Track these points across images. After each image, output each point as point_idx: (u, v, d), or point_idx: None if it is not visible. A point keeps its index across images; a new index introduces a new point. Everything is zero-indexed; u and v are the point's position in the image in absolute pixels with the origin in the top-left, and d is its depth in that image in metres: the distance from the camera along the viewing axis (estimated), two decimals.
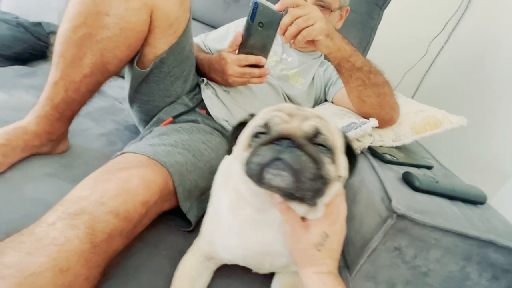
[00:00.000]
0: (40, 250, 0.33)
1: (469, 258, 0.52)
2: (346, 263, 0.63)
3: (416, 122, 0.81)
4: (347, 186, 0.75)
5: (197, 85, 0.80)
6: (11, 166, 0.54)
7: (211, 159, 0.62)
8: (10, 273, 0.31)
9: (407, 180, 0.59)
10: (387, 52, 1.57)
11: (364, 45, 1.18)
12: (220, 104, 0.77)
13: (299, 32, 0.60)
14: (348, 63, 0.69)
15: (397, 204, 0.51)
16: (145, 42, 0.61)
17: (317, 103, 0.98)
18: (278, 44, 0.98)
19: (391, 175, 0.62)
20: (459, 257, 0.53)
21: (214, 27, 1.13)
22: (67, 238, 0.35)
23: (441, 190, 0.58)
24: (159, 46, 0.63)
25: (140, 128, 0.80)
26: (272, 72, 0.90)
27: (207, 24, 1.27)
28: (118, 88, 1.05)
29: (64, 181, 0.56)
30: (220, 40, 0.98)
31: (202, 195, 0.59)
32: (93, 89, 0.59)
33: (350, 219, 0.68)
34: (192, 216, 0.55)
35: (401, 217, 0.51)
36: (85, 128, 0.77)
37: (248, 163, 0.35)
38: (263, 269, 0.48)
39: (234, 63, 0.70)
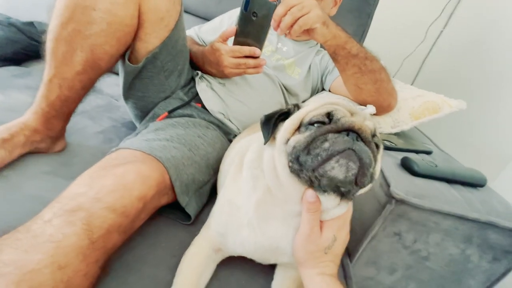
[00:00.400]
0: (37, 247, 0.33)
1: (469, 241, 0.52)
2: (347, 250, 0.63)
3: (414, 108, 0.80)
4: None
5: (192, 79, 0.80)
6: (9, 164, 0.54)
7: (207, 153, 0.62)
8: (9, 270, 0.31)
9: (406, 165, 0.59)
10: (385, 39, 1.54)
11: (361, 31, 1.16)
12: (215, 97, 0.77)
13: (295, 22, 0.59)
14: (343, 51, 0.68)
15: (396, 189, 0.51)
16: (136, 37, 0.60)
17: (314, 92, 0.97)
18: (273, 33, 0.96)
19: (389, 161, 0.62)
20: (459, 240, 0.53)
21: (208, 20, 1.11)
22: (64, 235, 0.35)
23: (440, 174, 0.57)
24: (150, 41, 0.62)
25: (137, 124, 0.79)
26: (268, 62, 0.89)
27: (200, 17, 1.25)
28: (114, 86, 1.05)
29: (62, 178, 0.56)
30: (214, 31, 0.96)
31: (200, 189, 0.59)
32: (87, 86, 0.59)
33: None
34: (191, 210, 0.55)
35: (400, 202, 0.51)
36: (82, 126, 0.77)
37: (307, 148, 0.35)
38: (268, 262, 0.48)
39: (229, 54, 0.69)
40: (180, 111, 0.72)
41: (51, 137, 0.60)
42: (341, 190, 0.36)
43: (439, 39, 1.61)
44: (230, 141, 0.73)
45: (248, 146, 0.49)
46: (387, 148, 0.70)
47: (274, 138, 0.41)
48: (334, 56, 0.71)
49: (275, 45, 0.95)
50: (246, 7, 0.62)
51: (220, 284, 0.47)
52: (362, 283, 0.61)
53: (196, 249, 0.47)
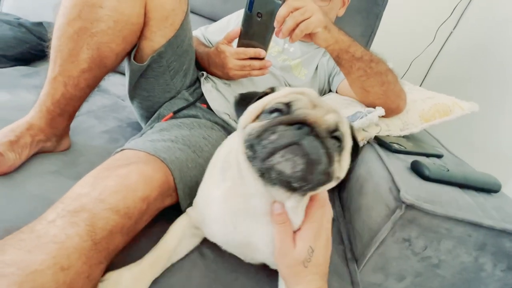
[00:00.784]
0: (40, 247, 0.33)
1: (483, 248, 0.50)
2: (353, 255, 0.62)
3: (424, 110, 0.78)
4: (353, 177, 0.74)
5: (197, 79, 0.79)
6: None
7: (211, 155, 0.61)
8: (12, 271, 0.30)
9: (416, 169, 0.57)
10: (394, 40, 1.52)
11: (369, 32, 1.14)
12: (220, 97, 0.76)
13: (297, 26, 0.59)
14: (347, 54, 0.67)
15: (406, 194, 0.50)
16: (141, 35, 0.60)
17: (321, 93, 0.96)
18: None
19: (399, 165, 0.60)
20: (472, 247, 0.51)
21: (214, 20, 1.11)
22: (68, 236, 0.34)
23: (452, 179, 0.55)
24: (156, 40, 0.61)
25: (142, 124, 0.79)
26: (275, 63, 0.88)
27: (206, 17, 1.25)
28: (120, 86, 1.05)
29: (67, 178, 0.56)
30: (221, 32, 0.96)
31: None
32: (92, 85, 0.59)
33: (356, 210, 0.66)
34: None
35: (410, 207, 0.49)
36: (88, 126, 0.77)
37: (259, 138, 0.34)
38: (247, 259, 0.48)
39: (234, 56, 0.68)
40: (185, 112, 0.71)
41: (56, 135, 0.59)
42: (292, 186, 0.34)
43: (448, 40, 1.57)
44: None
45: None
46: (396, 151, 0.68)
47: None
48: (338, 60, 0.70)
49: (282, 46, 0.94)
50: (250, 8, 0.61)
51: None
52: None
53: (182, 219, 0.50)
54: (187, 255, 0.49)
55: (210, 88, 0.76)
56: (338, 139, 0.36)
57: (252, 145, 0.34)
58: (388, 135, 0.77)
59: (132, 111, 0.83)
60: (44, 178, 0.55)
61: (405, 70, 1.61)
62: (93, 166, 0.47)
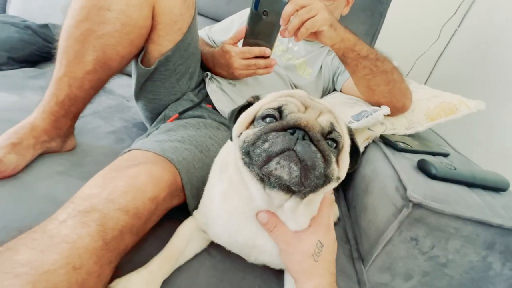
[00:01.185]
0: (52, 247, 0.33)
1: (491, 247, 0.50)
2: (360, 255, 0.62)
3: (430, 109, 0.78)
4: (359, 176, 0.74)
5: (203, 80, 0.80)
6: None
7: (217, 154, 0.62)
8: (25, 271, 0.31)
9: (423, 168, 0.57)
10: (398, 38, 1.51)
11: (373, 31, 1.14)
12: (225, 97, 0.76)
13: (302, 24, 0.59)
14: (353, 53, 0.67)
15: (413, 192, 0.49)
16: (149, 39, 0.61)
17: (325, 93, 0.96)
18: None
19: (405, 164, 0.60)
20: (481, 246, 0.50)
21: (218, 21, 1.11)
22: (79, 236, 0.35)
23: (460, 177, 0.55)
24: (163, 44, 0.62)
25: (147, 125, 0.80)
26: (279, 62, 0.88)
27: (210, 18, 1.25)
28: (126, 87, 1.06)
29: (74, 178, 0.56)
30: (225, 32, 0.96)
31: None
32: (97, 86, 0.59)
33: (363, 210, 0.66)
34: None
35: (418, 206, 0.49)
36: (94, 126, 0.78)
37: (254, 146, 0.34)
38: (251, 260, 0.48)
39: (239, 56, 0.68)
40: (190, 112, 0.72)
41: (60, 136, 0.60)
42: (292, 189, 0.34)
43: (453, 38, 1.56)
44: None
45: None
46: (402, 150, 0.68)
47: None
48: (343, 59, 0.70)
49: (286, 45, 0.94)
50: (256, 6, 0.61)
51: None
52: None
53: (189, 221, 0.50)
54: (194, 255, 0.50)
55: (215, 89, 0.76)
56: (334, 140, 0.35)
57: (248, 152, 0.35)
58: (393, 134, 0.77)
59: (137, 112, 0.84)
60: (52, 178, 0.55)
61: (409, 68, 1.60)
62: (99, 166, 0.47)
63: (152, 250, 0.48)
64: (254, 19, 0.63)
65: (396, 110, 0.75)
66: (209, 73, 0.80)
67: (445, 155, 0.71)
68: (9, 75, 0.93)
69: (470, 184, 0.56)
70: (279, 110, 0.35)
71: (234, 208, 0.42)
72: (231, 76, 0.76)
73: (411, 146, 0.69)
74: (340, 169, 0.36)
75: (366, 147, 0.77)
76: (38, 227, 0.36)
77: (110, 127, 0.80)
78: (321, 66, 0.93)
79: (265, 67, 0.70)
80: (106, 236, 0.37)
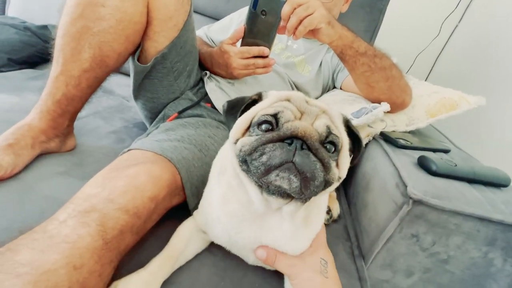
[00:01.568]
0: (53, 247, 0.33)
1: (493, 244, 0.50)
2: (361, 252, 0.62)
3: (430, 105, 0.78)
4: (359, 173, 0.73)
5: (201, 79, 0.80)
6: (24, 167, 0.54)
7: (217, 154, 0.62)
8: (26, 271, 0.31)
9: (423, 164, 0.57)
10: (398, 34, 1.51)
11: (372, 28, 1.13)
12: (224, 96, 0.76)
13: (300, 22, 0.59)
14: (351, 50, 0.67)
15: (413, 189, 0.49)
16: (145, 36, 0.60)
17: (325, 90, 0.96)
18: None
19: (405, 160, 0.60)
20: (482, 242, 0.50)
21: (217, 19, 1.11)
22: (79, 235, 0.35)
23: (460, 174, 0.55)
24: (159, 40, 0.62)
25: (147, 125, 0.80)
26: (278, 60, 0.88)
27: (209, 17, 1.25)
28: (125, 87, 1.06)
29: (75, 179, 0.57)
30: (223, 31, 0.96)
31: None
32: (94, 85, 0.59)
33: (363, 207, 0.66)
34: None
35: (418, 202, 0.49)
36: (95, 126, 0.78)
37: (250, 156, 0.34)
38: (250, 262, 0.48)
39: (237, 56, 0.68)
40: (190, 111, 0.72)
41: (59, 136, 0.59)
42: (291, 195, 0.35)
43: (454, 34, 1.55)
44: None
45: None
46: (402, 146, 0.67)
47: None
48: (341, 56, 0.70)
49: (285, 43, 0.94)
50: (254, 6, 0.61)
51: (234, 285, 0.47)
52: (377, 286, 0.59)
53: (188, 222, 0.50)
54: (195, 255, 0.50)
55: (214, 87, 0.76)
56: (333, 143, 0.35)
57: (245, 160, 0.34)
58: (394, 131, 0.76)
59: (137, 112, 0.84)
60: (53, 179, 0.55)
61: (409, 65, 1.60)
62: (100, 166, 0.47)
63: (153, 250, 0.48)
64: (253, 18, 0.63)
65: (396, 107, 0.75)
66: (207, 72, 0.80)
67: (446, 151, 0.70)
68: (9, 77, 0.93)
69: (470, 180, 0.56)
70: (275, 117, 0.35)
71: (234, 211, 0.42)
72: (230, 76, 0.76)
73: (411, 143, 0.68)
74: (341, 169, 0.36)
75: (366, 144, 0.76)
76: (38, 227, 0.36)
77: (111, 127, 0.81)
78: (321, 63, 0.93)
79: (264, 67, 0.70)
80: (106, 236, 0.37)
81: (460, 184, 0.54)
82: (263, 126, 0.35)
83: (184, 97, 0.73)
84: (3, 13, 1.35)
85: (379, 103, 0.72)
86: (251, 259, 0.47)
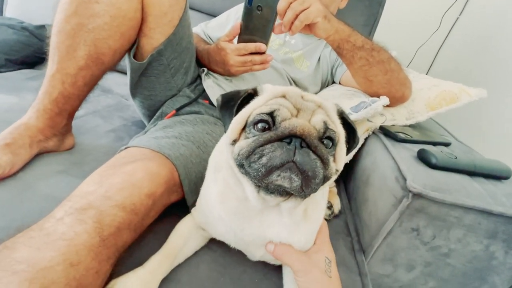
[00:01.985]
0: (49, 245, 0.33)
1: (494, 236, 0.50)
2: (361, 247, 0.62)
3: (430, 98, 0.77)
4: (359, 168, 0.73)
5: (198, 76, 0.79)
6: (23, 166, 0.54)
7: None
8: (22, 268, 0.31)
9: (423, 157, 0.56)
10: (398, 28, 1.49)
11: (372, 21, 1.12)
12: (222, 92, 0.76)
13: (296, 17, 0.58)
14: (348, 44, 0.66)
15: (412, 182, 0.49)
16: (140, 32, 0.60)
17: (324, 85, 0.95)
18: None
19: (405, 154, 0.59)
20: (483, 235, 0.50)
21: (213, 16, 1.10)
22: (76, 233, 0.35)
23: (461, 166, 0.54)
24: (155, 37, 0.61)
25: (146, 122, 0.80)
26: (276, 56, 0.87)
27: (206, 14, 1.24)
28: (123, 86, 1.05)
29: (74, 177, 0.56)
30: (221, 28, 0.95)
31: None
32: (90, 83, 0.58)
33: (363, 201, 0.66)
34: None
35: (417, 196, 0.48)
36: (94, 125, 0.78)
37: (248, 160, 0.33)
38: (256, 258, 0.47)
39: (234, 53, 0.68)
40: (187, 108, 0.72)
41: (56, 135, 0.59)
42: (291, 193, 0.35)
43: (454, 27, 1.53)
44: None
45: None
46: (402, 140, 0.67)
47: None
48: (338, 51, 0.69)
49: (283, 38, 0.93)
50: (250, 2, 0.61)
51: (233, 281, 0.47)
52: (378, 281, 0.59)
53: (187, 219, 0.50)
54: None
55: (211, 84, 0.76)
56: (330, 138, 0.35)
57: (242, 164, 0.34)
58: (393, 125, 0.76)
59: (136, 110, 0.84)
60: (52, 178, 0.55)
61: (410, 59, 1.58)
62: (99, 165, 0.47)
63: (151, 247, 0.48)
64: (248, 14, 0.63)
65: (396, 100, 0.74)
66: (205, 69, 0.79)
67: (446, 144, 0.70)
68: (7, 77, 0.94)
69: (471, 172, 0.55)
70: (271, 115, 0.35)
71: (233, 209, 0.42)
72: (227, 73, 0.75)
73: (411, 136, 0.68)
74: (337, 162, 0.36)
75: (366, 139, 0.76)
76: (35, 225, 0.36)
77: (110, 125, 0.81)
78: (319, 58, 0.92)
79: (261, 63, 0.69)
80: (103, 233, 0.37)
81: (460, 176, 0.54)
82: (260, 125, 0.35)
83: (182, 94, 0.73)
84: (1, 13, 1.35)
85: (378, 97, 0.72)
86: (257, 255, 0.46)
